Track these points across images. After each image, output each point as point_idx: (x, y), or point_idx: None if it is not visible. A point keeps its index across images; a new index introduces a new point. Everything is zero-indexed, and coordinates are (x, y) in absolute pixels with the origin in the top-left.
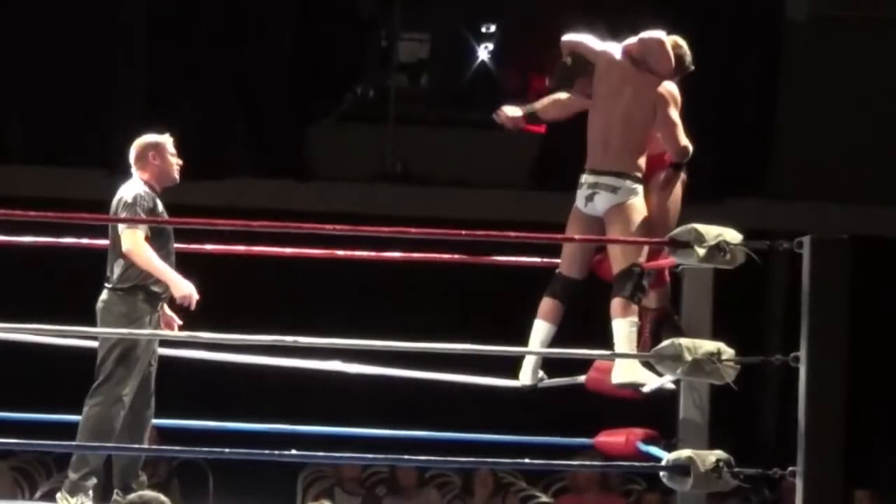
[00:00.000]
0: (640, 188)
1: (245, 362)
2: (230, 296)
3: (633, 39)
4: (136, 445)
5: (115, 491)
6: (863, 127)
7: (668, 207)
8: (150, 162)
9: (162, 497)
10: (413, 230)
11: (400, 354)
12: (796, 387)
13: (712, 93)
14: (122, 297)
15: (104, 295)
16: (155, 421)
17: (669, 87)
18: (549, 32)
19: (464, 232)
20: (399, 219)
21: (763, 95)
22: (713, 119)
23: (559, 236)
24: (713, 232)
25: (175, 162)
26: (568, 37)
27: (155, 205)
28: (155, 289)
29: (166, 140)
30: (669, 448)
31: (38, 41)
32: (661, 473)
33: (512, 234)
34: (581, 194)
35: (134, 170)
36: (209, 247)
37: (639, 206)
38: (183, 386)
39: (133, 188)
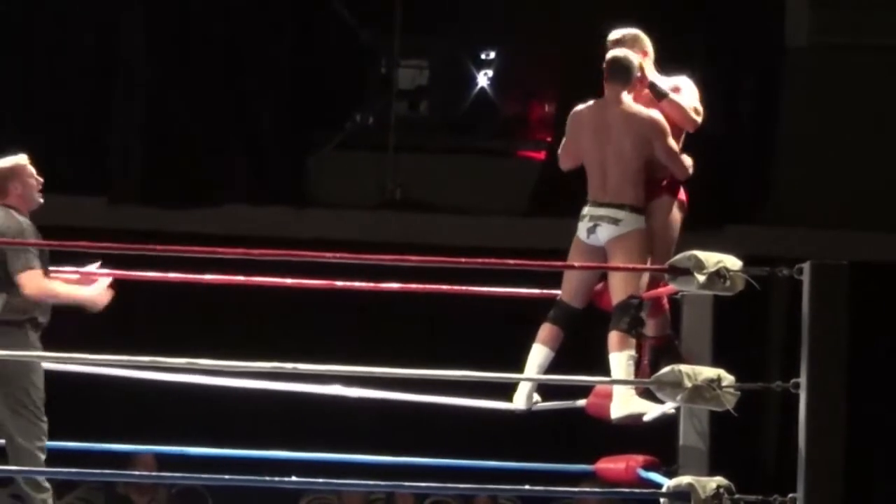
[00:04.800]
0: (642, 219)
1: (245, 388)
2: (228, 321)
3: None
4: (141, 472)
5: None
6: (863, 153)
7: (666, 234)
8: (13, 192)
9: None
10: (413, 258)
11: (400, 379)
12: (797, 413)
13: (711, 119)
14: (10, 331)
15: None
16: (154, 447)
17: (657, 116)
18: (549, 59)
19: (464, 260)
20: (399, 246)
21: (762, 122)
22: (712, 145)
23: (559, 263)
24: (713, 259)
25: (36, 183)
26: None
27: (39, 236)
28: (40, 319)
29: (23, 162)
30: (670, 474)
31: (36, 67)
32: (662, 500)
33: (512, 261)
34: (583, 226)
35: None
36: (208, 277)
37: (641, 237)
38: (183, 412)
39: (10, 219)
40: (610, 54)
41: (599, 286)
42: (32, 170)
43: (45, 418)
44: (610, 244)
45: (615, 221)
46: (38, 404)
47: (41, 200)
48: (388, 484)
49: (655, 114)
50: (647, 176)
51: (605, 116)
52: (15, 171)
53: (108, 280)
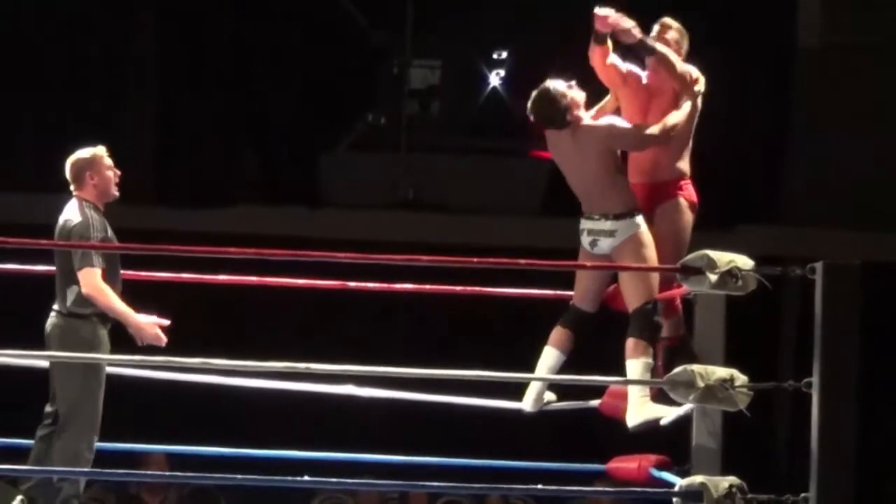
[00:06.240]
0: (638, 219)
1: (257, 388)
2: (241, 321)
3: None
4: (153, 472)
5: None
6: (875, 153)
7: (678, 236)
8: (88, 182)
9: None
10: (425, 258)
11: (412, 379)
12: (809, 412)
13: (723, 119)
14: (78, 323)
15: (57, 320)
16: (168, 447)
17: (606, 123)
18: (561, 59)
19: (476, 259)
20: (411, 246)
21: (775, 121)
22: (725, 145)
23: (571, 263)
24: (725, 258)
25: (113, 175)
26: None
27: (106, 230)
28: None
29: (101, 153)
30: (682, 474)
31: (49, 72)
32: (675, 500)
33: (524, 261)
34: (584, 240)
35: (73, 190)
36: (221, 277)
37: (643, 239)
38: (195, 412)
39: (80, 213)
40: (530, 102)
41: (611, 288)
42: (110, 162)
43: (98, 419)
44: (615, 253)
45: (612, 234)
46: (92, 397)
47: (117, 194)
48: (400, 483)
49: (605, 121)
50: (653, 178)
51: (563, 140)
52: (92, 162)
53: (159, 321)
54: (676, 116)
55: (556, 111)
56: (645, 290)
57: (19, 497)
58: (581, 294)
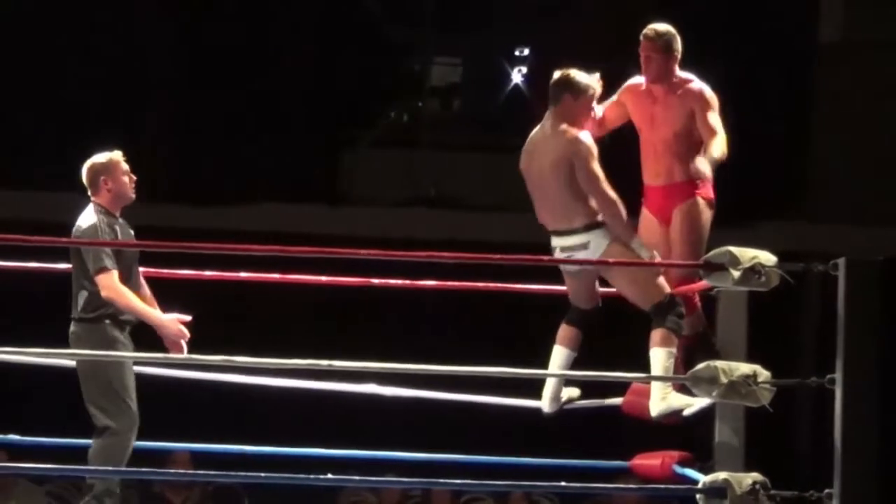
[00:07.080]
0: (603, 230)
1: (280, 386)
2: (263, 318)
3: None
4: (177, 470)
5: None
6: None
7: (698, 234)
8: (103, 187)
9: None
10: (447, 255)
11: (435, 377)
12: (830, 408)
13: (744, 115)
14: (90, 328)
15: (72, 327)
16: (191, 445)
17: (581, 137)
18: (583, 57)
19: (498, 256)
20: (433, 243)
21: (795, 117)
22: (745, 142)
23: (593, 259)
24: (748, 254)
25: (128, 180)
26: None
27: (116, 235)
28: (122, 317)
29: (116, 158)
30: (705, 470)
31: (65, 69)
32: (698, 496)
33: (546, 258)
34: (558, 256)
35: (90, 195)
36: (243, 274)
37: (619, 244)
38: (218, 410)
39: (91, 219)
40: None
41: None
42: (126, 166)
43: (126, 418)
44: (602, 269)
45: (585, 247)
46: (118, 398)
47: (133, 196)
48: (423, 481)
49: (582, 135)
50: (676, 178)
51: (540, 142)
52: (108, 167)
53: (182, 317)
54: (622, 229)
55: (558, 84)
56: (652, 286)
57: None
58: (572, 294)
